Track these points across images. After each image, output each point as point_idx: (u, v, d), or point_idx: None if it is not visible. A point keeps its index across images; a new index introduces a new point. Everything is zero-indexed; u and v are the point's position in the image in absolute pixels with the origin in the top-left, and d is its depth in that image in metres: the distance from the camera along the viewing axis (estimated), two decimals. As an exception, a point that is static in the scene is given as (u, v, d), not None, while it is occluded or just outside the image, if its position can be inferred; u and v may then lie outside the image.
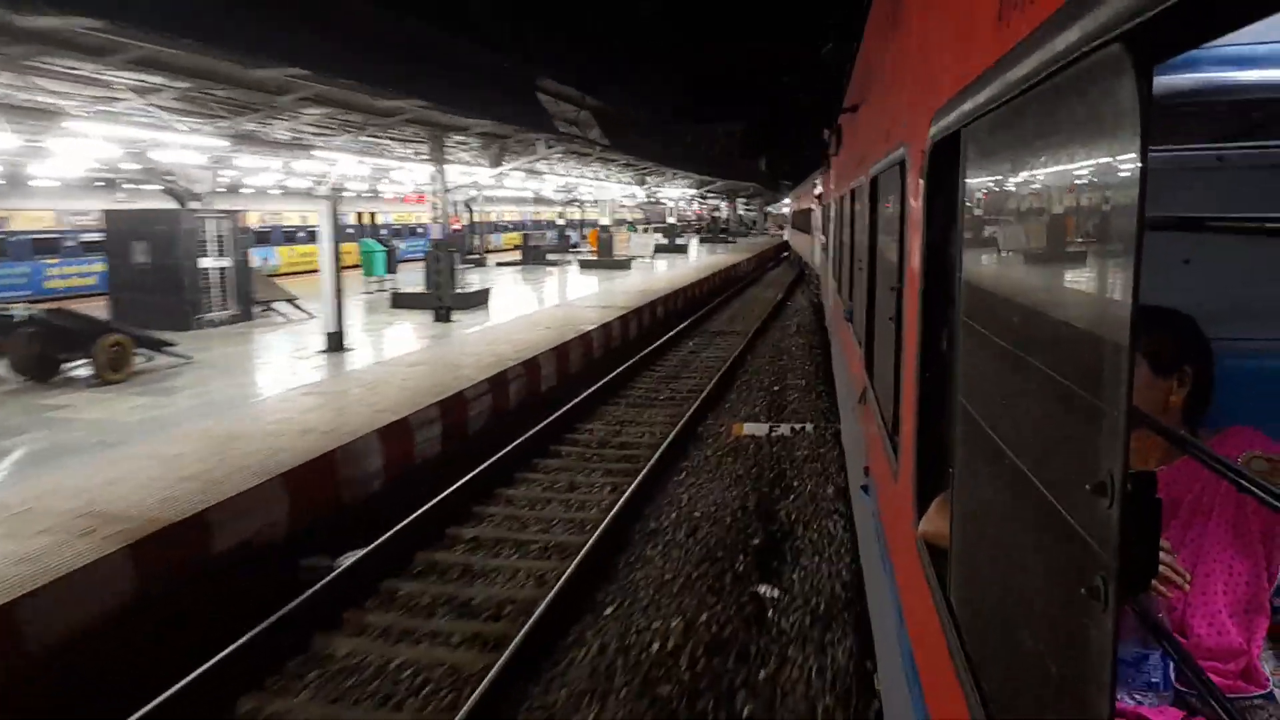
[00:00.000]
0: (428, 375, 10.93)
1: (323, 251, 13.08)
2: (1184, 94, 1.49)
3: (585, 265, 31.94)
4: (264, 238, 31.76)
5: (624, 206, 59.05)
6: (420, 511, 7.34)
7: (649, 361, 15.46)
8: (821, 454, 9.61)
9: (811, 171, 22.56)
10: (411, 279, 22.22)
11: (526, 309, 18.94)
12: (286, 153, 17.64)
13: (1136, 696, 1.72)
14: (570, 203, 45.04)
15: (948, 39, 1.87)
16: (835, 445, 9.63)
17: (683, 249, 44.82)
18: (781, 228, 66.56)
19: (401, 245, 36.40)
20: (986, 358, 1.41)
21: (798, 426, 10.80)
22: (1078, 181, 0.95)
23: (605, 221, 31.58)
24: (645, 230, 52.84)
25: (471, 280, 21.99)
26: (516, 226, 51.74)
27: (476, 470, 8.46)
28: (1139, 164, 0.74)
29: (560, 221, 47.02)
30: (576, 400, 11.84)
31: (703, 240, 58.95)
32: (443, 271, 16.43)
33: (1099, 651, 0.85)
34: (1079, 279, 0.98)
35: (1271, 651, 1.83)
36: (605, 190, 30.62)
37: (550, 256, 36.26)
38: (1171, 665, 1.72)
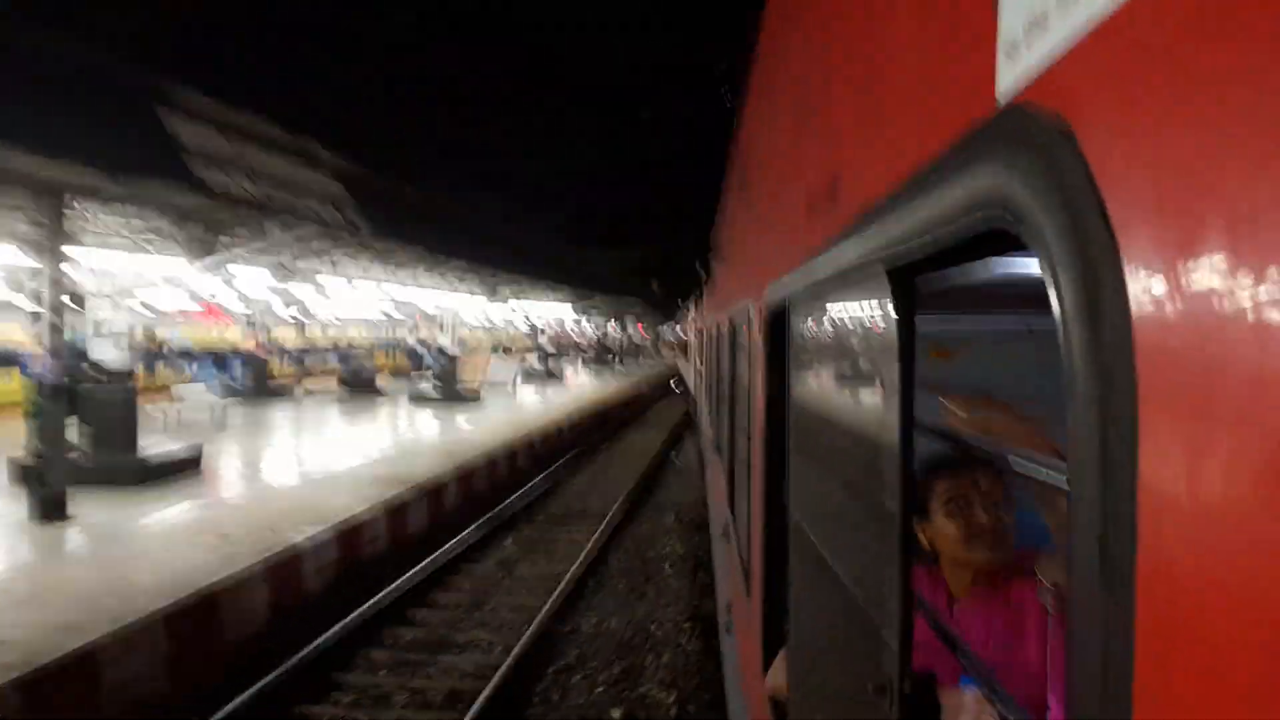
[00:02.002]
0: None
1: None
2: (988, 279, 1.67)
3: (418, 400, 24.98)
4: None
5: (488, 327, 52.91)
6: None
7: (372, 633, 8.47)
8: None
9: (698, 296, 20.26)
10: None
11: (247, 487, 11.79)
12: None
13: None
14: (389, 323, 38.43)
15: (777, 220, 2.45)
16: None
17: (555, 376, 38.52)
18: (674, 349, 61.72)
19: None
20: (807, 519, 1.66)
21: None
22: (865, 371, 1.21)
23: (445, 342, 24.92)
24: (513, 354, 46.66)
25: (205, 428, 14.75)
26: (368, 348, 44.45)
27: None
28: (902, 360, 1.00)
29: (410, 340, 40.10)
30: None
31: (585, 364, 53.10)
32: (49, 432, 9.22)
33: None
34: (862, 475, 1.19)
35: None
36: (443, 306, 24.38)
37: (381, 384, 29.15)
38: None
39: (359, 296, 25.04)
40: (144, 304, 26.49)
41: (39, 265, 9.08)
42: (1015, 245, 0.66)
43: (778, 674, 1.99)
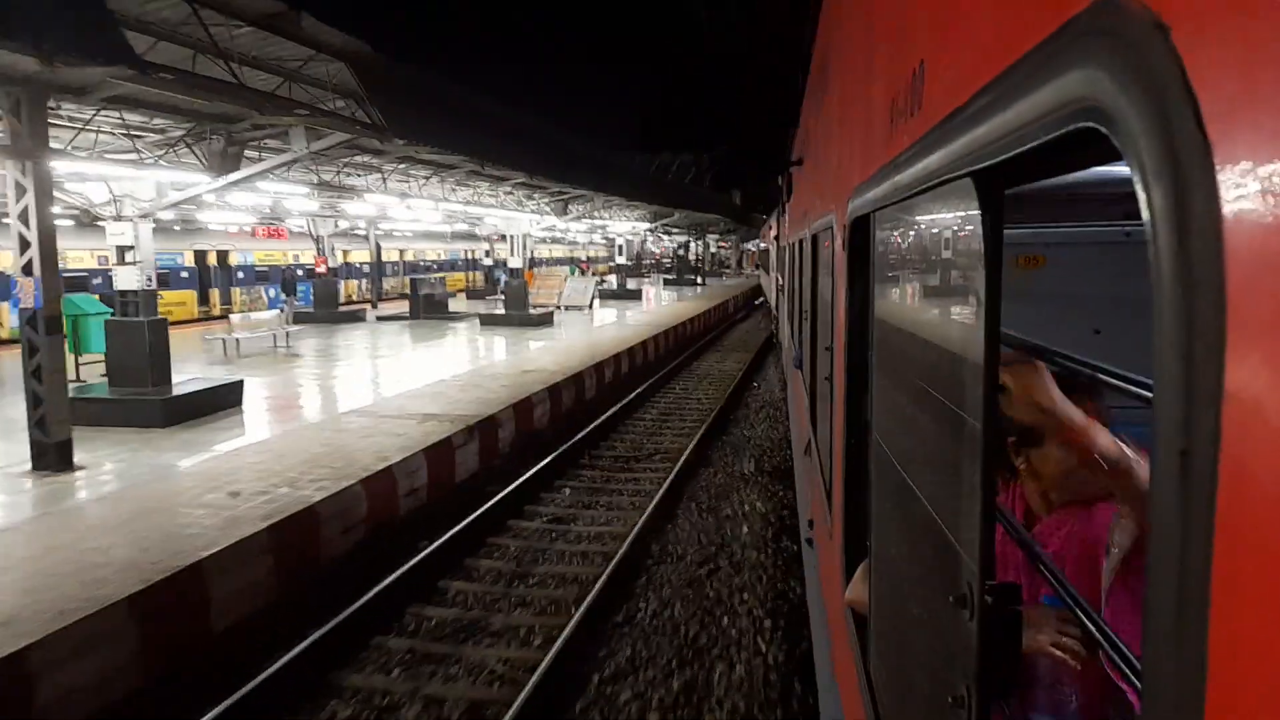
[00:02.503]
0: None
1: None
2: (1079, 184, 1.79)
3: (487, 322, 23.91)
4: None
5: (561, 242, 51.30)
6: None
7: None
8: None
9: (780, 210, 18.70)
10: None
11: (282, 428, 10.79)
12: None
13: None
14: (467, 236, 37.17)
15: (860, 128, 2.24)
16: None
17: (634, 295, 36.96)
18: (758, 267, 59.02)
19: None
20: (889, 435, 1.66)
21: None
22: (953, 283, 1.21)
23: (515, 263, 23.56)
24: (592, 273, 45.42)
25: (245, 357, 13.94)
26: (443, 266, 43.83)
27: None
28: (989, 275, 0.98)
29: (487, 261, 39.10)
30: None
31: (667, 283, 51.31)
32: (45, 372, 8.24)
33: None
34: (945, 389, 1.19)
35: None
36: (512, 222, 22.81)
37: (455, 308, 28.27)
38: None
39: (417, 215, 23.78)
40: (193, 223, 26.08)
41: (19, 176, 7.89)
42: (1110, 152, 0.64)
43: (858, 586, 2.02)
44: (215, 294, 28.14)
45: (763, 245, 53.28)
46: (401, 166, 15.98)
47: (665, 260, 65.47)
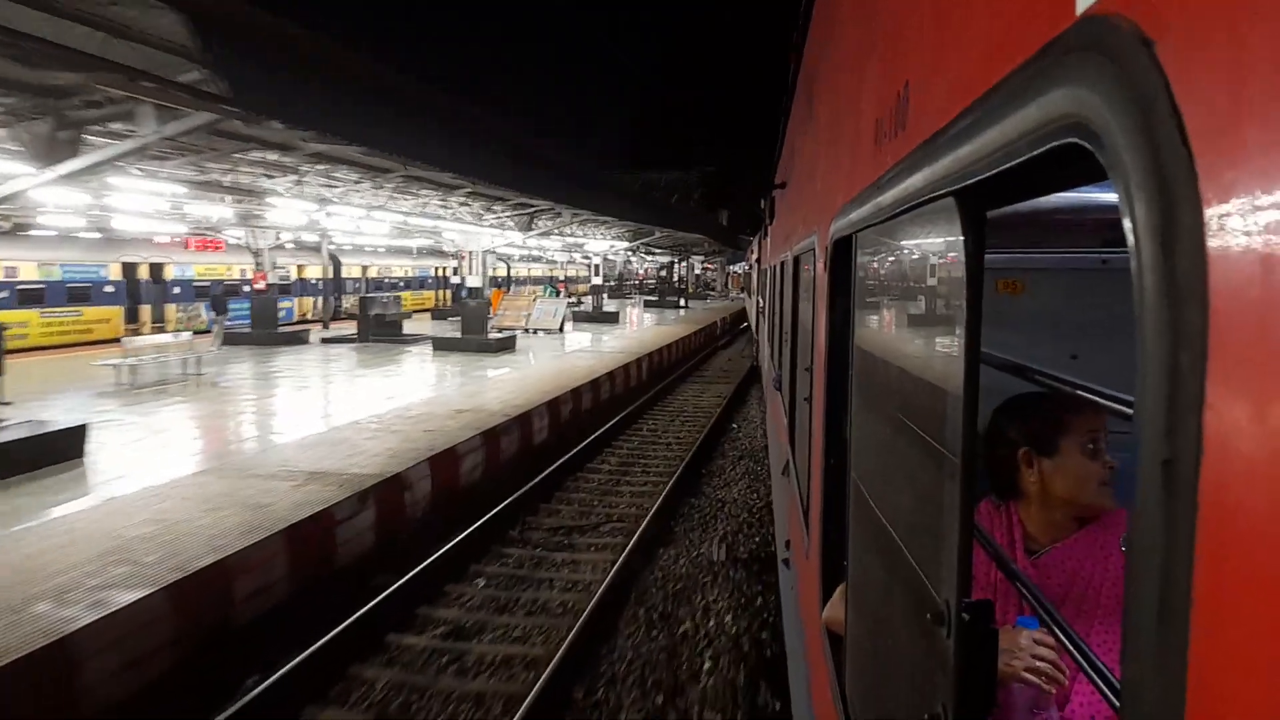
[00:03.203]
0: None
1: None
2: (1059, 209, 1.76)
3: (441, 347, 21.51)
4: None
5: (541, 261, 48.90)
6: None
7: None
8: None
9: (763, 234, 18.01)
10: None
11: (130, 484, 8.33)
12: None
13: None
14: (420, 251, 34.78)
15: (844, 149, 2.25)
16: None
17: (611, 318, 34.69)
18: (743, 290, 56.71)
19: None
20: (868, 455, 1.68)
21: None
22: (934, 302, 1.21)
23: (474, 282, 21.17)
24: (567, 293, 43.38)
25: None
26: (411, 283, 41.42)
27: None
28: (970, 294, 0.98)
29: (455, 279, 36.67)
30: None
31: (648, 305, 49.17)
32: None
33: None
34: (927, 403, 1.20)
35: None
36: (470, 237, 20.40)
37: (413, 329, 25.84)
38: None
39: (357, 226, 21.36)
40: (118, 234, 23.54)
41: None
42: (1090, 174, 0.64)
43: (835, 607, 2.03)
44: (147, 311, 25.59)
45: (747, 268, 51.43)
46: (321, 167, 13.62)
47: (649, 281, 63.28)
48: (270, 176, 14.39)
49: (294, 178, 14.28)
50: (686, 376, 22.83)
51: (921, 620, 1.09)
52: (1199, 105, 0.50)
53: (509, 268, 53.83)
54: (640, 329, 31.37)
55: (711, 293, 71.42)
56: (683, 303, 48.83)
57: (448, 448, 10.08)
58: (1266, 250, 0.44)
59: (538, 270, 58.11)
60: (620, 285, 72.90)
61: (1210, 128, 0.49)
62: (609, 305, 41.17)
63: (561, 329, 28.33)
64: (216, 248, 26.88)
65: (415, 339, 23.77)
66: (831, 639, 2.05)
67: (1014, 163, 0.79)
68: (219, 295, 23.96)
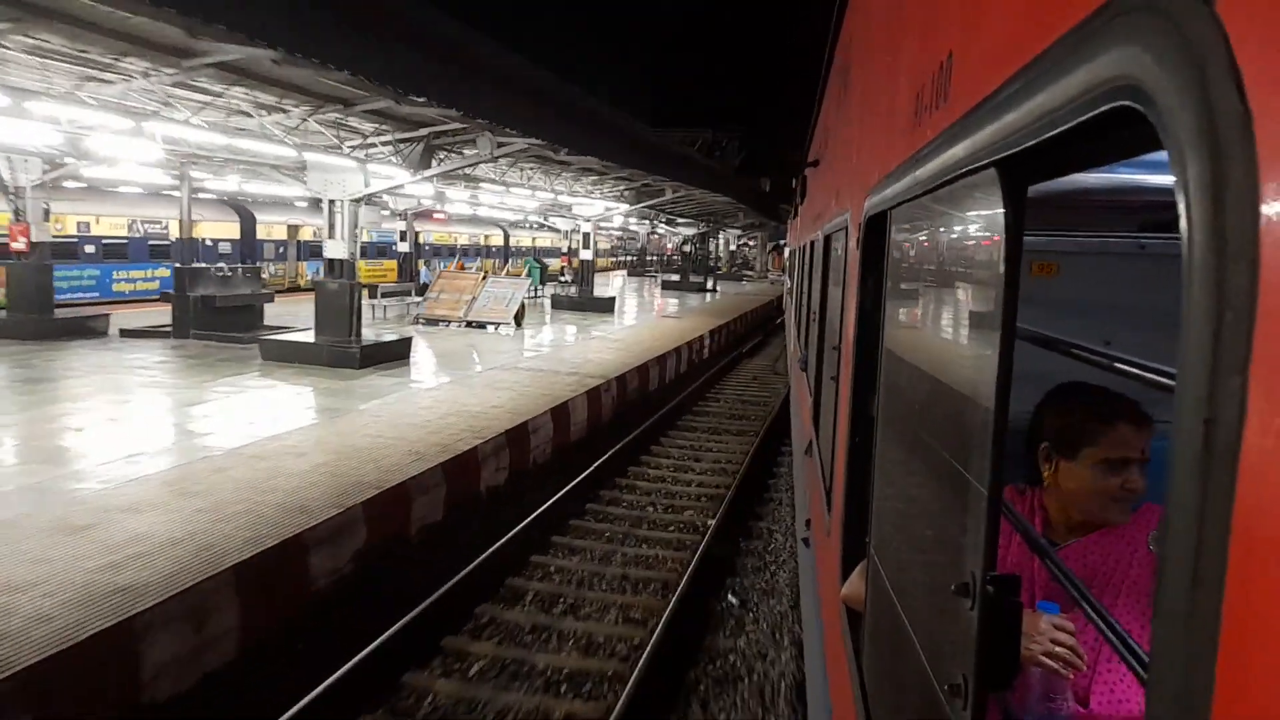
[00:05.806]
0: None
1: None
2: (1095, 190, 1.69)
3: (280, 356, 13.26)
4: None
5: (547, 229, 39.90)
6: None
7: None
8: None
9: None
10: None
11: None
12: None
13: None
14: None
15: (880, 124, 2.18)
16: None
17: (605, 305, 26.18)
18: (783, 271, 47.38)
19: None
20: (896, 432, 1.64)
21: None
22: (969, 275, 1.18)
23: (336, 251, 12.80)
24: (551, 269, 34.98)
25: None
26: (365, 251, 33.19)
27: None
28: (1008, 269, 0.96)
29: (403, 245, 28.18)
30: None
31: (665, 287, 40.48)
32: None
33: None
34: (961, 377, 1.18)
35: None
36: (327, 177, 12.13)
37: (275, 317, 17.66)
38: None
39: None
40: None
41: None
42: (1133, 146, 0.61)
43: (854, 584, 2.01)
44: None
45: (785, 244, 42.69)
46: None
47: (675, 257, 54.31)
48: None
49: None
50: (694, 403, 14.61)
51: (946, 593, 1.08)
52: (1260, 63, 0.48)
53: (506, 235, 45.16)
54: (638, 325, 23.04)
55: (749, 273, 62.22)
56: (710, 285, 40.02)
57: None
58: None
59: (544, 240, 49.60)
60: (642, 261, 64.04)
61: (1271, 85, 0.47)
62: (608, 289, 32.65)
63: (519, 323, 19.95)
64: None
65: (269, 332, 15.54)
66: (850, 617, 2.07)
67: (1060, 129, 0.77)
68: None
